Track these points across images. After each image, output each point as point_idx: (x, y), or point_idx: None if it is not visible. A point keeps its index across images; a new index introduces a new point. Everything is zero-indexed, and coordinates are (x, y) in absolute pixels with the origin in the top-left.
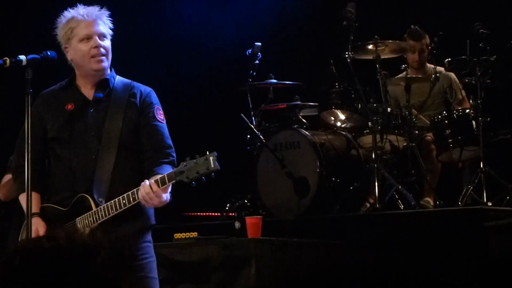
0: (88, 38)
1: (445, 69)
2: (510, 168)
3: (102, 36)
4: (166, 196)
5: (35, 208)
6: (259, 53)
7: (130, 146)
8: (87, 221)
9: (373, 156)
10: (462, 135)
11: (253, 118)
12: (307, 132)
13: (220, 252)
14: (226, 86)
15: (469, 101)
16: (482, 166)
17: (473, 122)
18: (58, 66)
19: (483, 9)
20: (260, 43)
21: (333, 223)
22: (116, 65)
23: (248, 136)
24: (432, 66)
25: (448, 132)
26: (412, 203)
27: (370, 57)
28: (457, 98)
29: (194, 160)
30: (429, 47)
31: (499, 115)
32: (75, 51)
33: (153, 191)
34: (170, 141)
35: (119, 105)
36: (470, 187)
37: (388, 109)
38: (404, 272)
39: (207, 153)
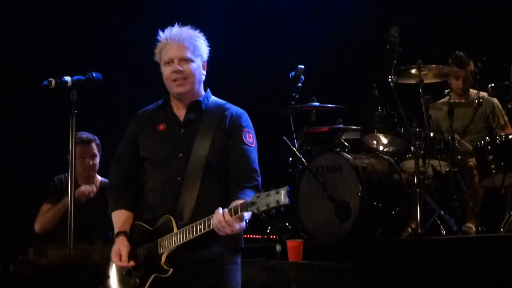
0: (170, 62)
1: (488, 94)
2: None
3: (183, 59)
4: (240, 225)
5: (124, 227)
6: (302, 76)
7: (217, 169)
8: (167, 242)
9: (416, 180)
10: (505, 161)
11: (295, 140)
12: (349, 156)
13: (261, 275)
14: (269, 108)
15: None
16: None
17: None
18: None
19: None
20: (303, 66)
21: (374, 248)
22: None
23: (290, 158)
24: (475, 91)
25: (491, 158)
26: (454, 229)
27: (413, 82)
28: (499, 124)
29: (266, 193)
30: (473, 73)
31: None
32: (163, 73)
33: (225, 220)
34: (256, 165)
35: (209, 127)
36: None
37: (431, 133)
38: None
39: (281, 186)
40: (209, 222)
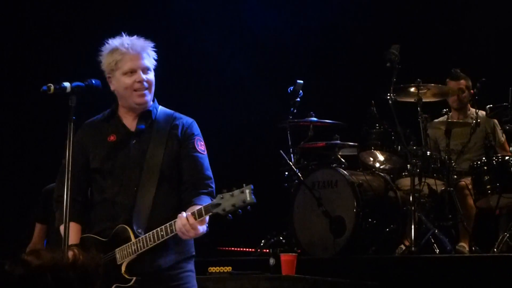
0: (132, 72)
1: (486, 115)
2: None
3: (146, 69)
4: (203, 228)
5: (74, 239)
6: (300, 91)
7: (171, 177)
8: (125, 252)
9: (411, 199)
10: (501, 182)
11: (292, 155)
12: (345, 172)
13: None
14: (266, 122)
15: (510, 149)
16: None
17: None
18: (102, 95)
19: None
20: (302, 81)
21: (368, 264)
22: (161, 97)
23: (286, 173)
24: (474, 110)
25: (486, 178)
26: (448, 248)
27: (412, 100)
28: (499, 141)
29: (230, 193)
30: (471, 90)
31: None
32: (118, 83)
33: (189, 223)
34: (209, 172)
35: (161, 136)
36: (506, 235)
37: (428, 152)
38: None
39: (244, 185)
40: (171, 228)
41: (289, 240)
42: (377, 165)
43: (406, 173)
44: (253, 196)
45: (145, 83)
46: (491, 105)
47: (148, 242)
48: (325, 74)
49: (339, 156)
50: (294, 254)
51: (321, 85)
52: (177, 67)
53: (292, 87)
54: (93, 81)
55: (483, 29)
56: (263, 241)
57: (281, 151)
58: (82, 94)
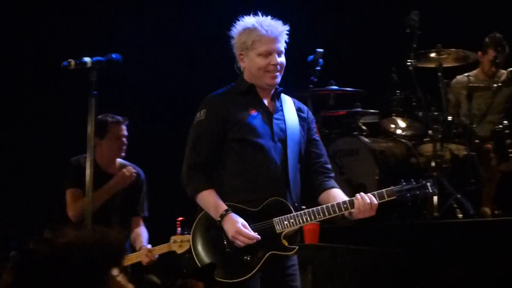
0: (267, 54)
1: (507, 78)
2: None
3: (280, 53)
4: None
5: (225, 205)
6: (320, 59)
7: (302, 156)
8: (286, 222)
9: (433, 164)
10: None
11: None
12: (366, 139)
13: None
14: (288, 92)
15: None
16: None
17: None
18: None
19: None
20: (322, 50)
21: (391, 231)
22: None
23: None
24: (504, 71)
25: (508, 142)
26: (471, 212)
27: (433, 65)
28: None
29: (413, 183)
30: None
31: None
32: (251, 62)
33: (372, 203)
34: (327, 156)
35: (293, 116)
36: None
37: (449, 117)
38: (461, 283)
39: (422, 180)
40: (345, 205)
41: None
42: (399, 131)
43: (428, 139)
44: (435, 189)
45: (278, 66)
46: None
47: (317, 215)
48: (345, 42)
49: (360, 124)
50: (317, 223)
51: (341, 53)
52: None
53: (312, 56)
54: (113, 56)
55: None
56: None
57: None
58: (103, 69)
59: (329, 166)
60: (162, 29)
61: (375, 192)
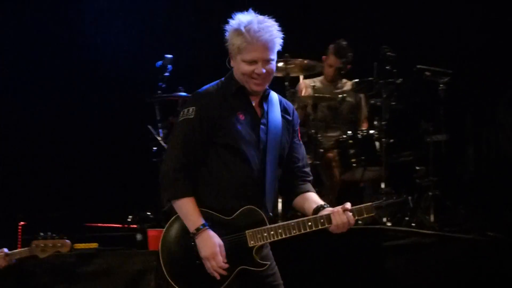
0: (252, 62)
1: (352, 89)
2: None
3: (267, 61)
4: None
5: (202, 218)
6: (169, 65)
7: (282, 160)
8: (259, 235)
9: None
10: (366, 156)
11: (160, 130)
12: None
13: (120, 264)
14: (135, 97)
15: (373, 123)
16: (384, 186)
17: (377, 143)
18: None
19: (391, 32)
20: (171, 56)
21: None
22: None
23: (155, 148)
24: (345, 81)
25: (352, 152)
26: None
27: (280, 75)
28: (364, 115)
29: (392, 200)
30: (348, 65)
31: (402, 137)
32: (237, 66)
33: (349, 222)
34: (307, 160)
35: (277, 120)
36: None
37: None
38: None
39: (404, 196)
40: (321, 221)
41: (157, 216)
42: None
43: None
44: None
45: (264, 75)
46: (357, 80)
47: (292, 230)
48: (194, 48)
49: None
50: (161, 229)
51: (190, 59)
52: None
53: (160, 62)
54: None
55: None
56: (130, 216)
57: (149, 126)
58: None
59: (307, 169)
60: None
61: (353, 208)
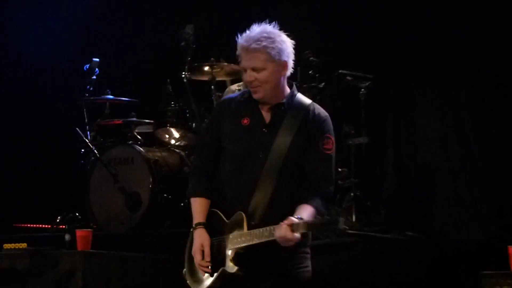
0: (245, 70)
1: None
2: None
3: (256, 69)
4: (298, 236)
5: (202, 217)
6: (96, 69)
7: (294, 170)
8: (237, 240)
9: None
10: None
11: (88, 132)
12: (141, 149)
13: (48, 264)
14: (63, 100)
15: None
16: None
17: None
18: None
19: (314, 38)
20: (98, 59)
21: (162, 238)
22: None
23: (83, 150)
24: None
25: None
26: None
27: (206, 79)
28: None
29: (327, 218)
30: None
31: None
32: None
33: (287, 237)
34: (330, 174)
35: (290, 128)
36: None
37: None
38: None
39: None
40: (272, 232)
41: (85, 216)
42: (173, 142)
43: None
44: (344, 226)
45: (253, 83)
46: None
47: (254, 238)
48: (121, 52)
49: (136, 134)
50: (89, 230)
51: (117, 63)
52: None
53: (88, 65)
54: None
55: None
56: (59, 217)
57: (77, 128)
58: None
59: (321, 183)
60: None
61: (294, 223)
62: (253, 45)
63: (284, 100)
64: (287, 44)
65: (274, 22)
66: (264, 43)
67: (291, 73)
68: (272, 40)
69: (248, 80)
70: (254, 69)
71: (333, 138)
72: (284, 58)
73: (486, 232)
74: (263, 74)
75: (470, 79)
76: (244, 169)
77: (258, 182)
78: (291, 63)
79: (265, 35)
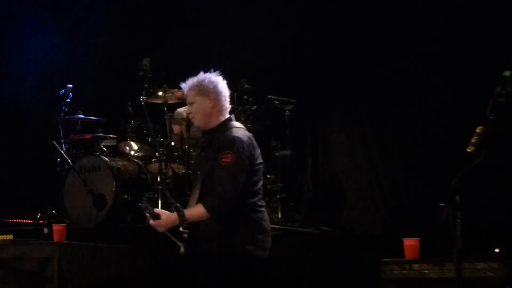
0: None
1: None
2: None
3: (190, 103)
4: (165, 224)
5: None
6: (70, 93)
7: (210, 183)
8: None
9: (158, 179)
10: None
11: (63, 145)
12: (106, 159)
13: (31, 252)
14: (43, 118)
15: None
16: None
17: None
18: None
19: (248, 68)
20: (71, 85)
21: (124, 232)
22: None
23: (59, 159)
24: None
25: None
26: None
27: (160, 102)
28: None
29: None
30: None
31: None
32: None
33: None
34: (223, 180)
35: (210, 150)
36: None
37: (172, 143)
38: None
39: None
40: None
41: (60, 214)
42: (132, 153)
43: (155, 159)
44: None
45: (191, 114)
46: None
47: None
48: (91, 79)
49: (102, 146)
50: (63, 225)
51: (87, 88)
52: None
53: (63, 90)
54: None
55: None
56: (39, 214)
57: (54, 142)
58: None
59: (217, 189)
60: None
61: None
62: (188, 86)
63: (213, 127)
64: (214, 85)
65: (217, 71)
66: (195, 84)
67: (230, 100)
68: (201, 81)
69: (187, 112)
70: (190, 103)
71: (233, 154)
72: (210, 95)
73: (385, 227)
74: (194, 107)
75: (371, 101)
76: (194, 183)
77: (194, 190)
78: (219, 99)
79: (197, 78)
